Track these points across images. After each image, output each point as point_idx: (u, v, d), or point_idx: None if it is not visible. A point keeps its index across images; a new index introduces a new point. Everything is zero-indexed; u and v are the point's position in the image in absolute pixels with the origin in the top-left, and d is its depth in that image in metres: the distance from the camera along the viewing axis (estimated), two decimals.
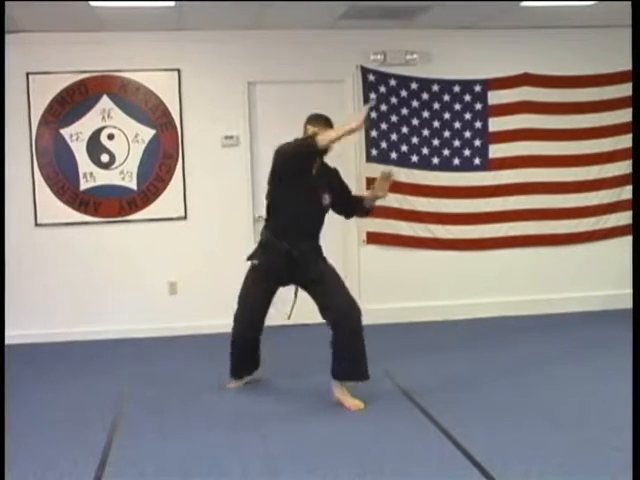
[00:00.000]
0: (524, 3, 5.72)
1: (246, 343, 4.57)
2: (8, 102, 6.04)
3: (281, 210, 4.31)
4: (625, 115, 6.40)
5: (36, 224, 6.25)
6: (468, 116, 6.61)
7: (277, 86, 6.43)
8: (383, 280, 6.58)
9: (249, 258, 4.40)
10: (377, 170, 6.44)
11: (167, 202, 6.36)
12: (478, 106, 6.62)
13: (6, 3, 4.26)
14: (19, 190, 6.15)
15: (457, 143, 6.62)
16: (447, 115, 6.58)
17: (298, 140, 4.15)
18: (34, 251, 6.25)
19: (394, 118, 6.49)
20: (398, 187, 6.52)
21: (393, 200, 6.51)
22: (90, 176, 6.29)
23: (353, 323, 4.20)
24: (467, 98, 6.60)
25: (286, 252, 4.20)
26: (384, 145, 6.47)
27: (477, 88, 6.60)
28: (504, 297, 6.70)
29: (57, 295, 6.27)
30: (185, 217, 6.40)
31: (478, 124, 6.63)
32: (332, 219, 6.48)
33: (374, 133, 6.45)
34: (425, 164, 6.57)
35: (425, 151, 6.57)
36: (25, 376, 5.11)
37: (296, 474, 3.38)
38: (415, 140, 6.55)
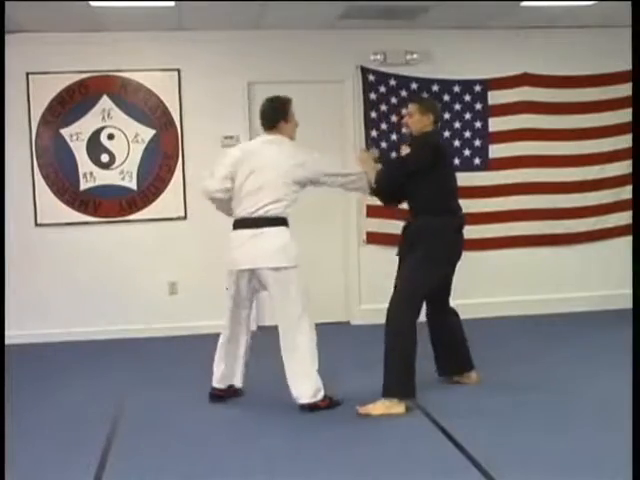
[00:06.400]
0: (524, 3, 5.72)
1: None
2: (8, 102, 6.04)
3: None
4: (625, 115, 6.39)
5: (36, 224, 6.25)
6: (468, 116, 6.61)
7: (277, 86, 6.36)
8: (383, 280, 6.52)
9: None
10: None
11: (167, 202, 6.36)
12: (478, 106, 6.62)
13: (6, 3, 4.26)
14: (19, 190, 6.15)
15: (457, 143, 6.61)
16: (447, 115, 6.57)
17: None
18: (34, 251, 6.24)
19: (394, 118, 6.48)
20: None
21: None
22: (90, 176, 6.29)
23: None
24: (467, 98, 6.60)
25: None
26: (384, 145, 6.46)
27: (477, 88, 6.60)
28: (504, 297, 6.70)
29: (57, 295, 6.27)
30: (185, 217, 6.40)
31: (478, 124, 6.63)
32: (332, 218, 6.52)
33: (374, 133, 6.45)
34: None
35: None
36: (25, 376, 5.11)
37: (296, 474, 3.38)
38: None
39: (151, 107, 6.31)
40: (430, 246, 4.26)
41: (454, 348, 4.63)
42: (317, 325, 4.32)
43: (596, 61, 6.64)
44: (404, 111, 4.61)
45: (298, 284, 4.18)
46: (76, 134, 6.25)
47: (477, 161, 6.66)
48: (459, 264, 6.57)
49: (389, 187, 4.42)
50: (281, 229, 4.19)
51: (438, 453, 3.57)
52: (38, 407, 4.47)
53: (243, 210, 4.22)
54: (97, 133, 6.27)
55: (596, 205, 6.81)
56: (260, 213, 4.16)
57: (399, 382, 4.14)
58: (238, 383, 4.46)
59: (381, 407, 4.11)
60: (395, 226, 6.58)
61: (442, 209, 4.33)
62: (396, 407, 4.11)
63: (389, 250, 6.60)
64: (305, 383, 4.14)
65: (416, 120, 4.42)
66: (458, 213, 4.45)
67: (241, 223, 4.23)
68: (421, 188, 4.30)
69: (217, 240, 6.27)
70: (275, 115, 4.35)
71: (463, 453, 3.53)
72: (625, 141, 6.49)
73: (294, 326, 4.16)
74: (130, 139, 6.31)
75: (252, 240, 4.16)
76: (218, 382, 4.43)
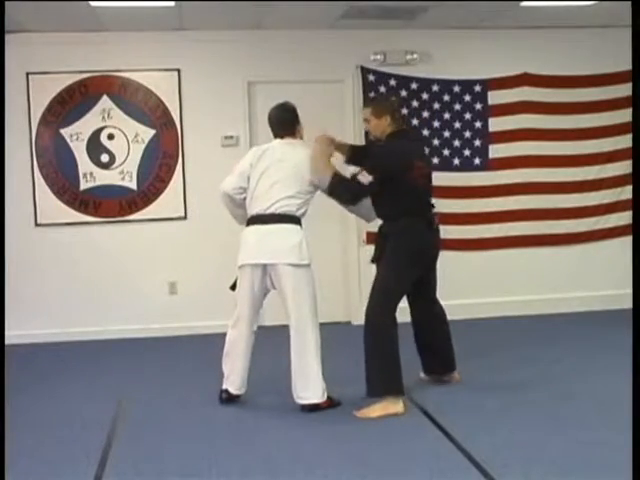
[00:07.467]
0: (524, 3, 5.73)
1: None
2: (8, 102, 6.04)
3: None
4: (625, 115, 6.40)
5: (36, 224, 6.25)
6: (468, 116, 6.61)
7: (277, 86, 6.42)
8: None
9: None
10: None
11: (167, 202, 6.36)
12: (478, 106, 6.62)
13: (6, 3, 4.26)
14: (19, 190, 6.16)
15: (457, 143, 6.62)
16: (447, 115, 6.58)
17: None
18: (34, 251, 6.25)
19: None
20: None
21: None
22: (90, 176, 6.29)
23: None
24: (467, 98, 6.60)
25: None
26: None
27: (477, 88, 6.60)
28: (504, 297, 6.70)
29: (57, 295, 6.27)
30: (185, 217, 6.40)
31: (478, 124, 6.63)
32: (332, 218, 6.52)
33: None
34: None
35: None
36: (25, 376, 5.11)
37: (296, 474, 3.38)
38: None
39: (151, 107, 6.31)
40: (398, 248, 4.22)
41: (438, 348, 4.59)
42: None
43: (596, 61, 6.64)
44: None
45: (311, 284, 4.22)
46: (76, 134, 6.25)
47: (477, 161, 6.66)
48: (460, 264, 6.65)
49: (352, 200, 4.33)
50: (297, 228, 4.20)
51: (438, 452, 3.56)
52: (38, 407, 4.47)
53: (257, 207, 4.21)
54: (97, 133, 6.27)
55: (596, 205, 6.82)
56: (273, 209, 4.16)
57: (383, 380, 4.12)
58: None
59: (378, 409, 4.10)
60: None
61: (407, 212, 4.23)
62: (393, 407, 4.10)
63: None
64: (314, 384, 4.15)
65: (374, 125, 4.35)
66: (426, 213, 4.34)
67: (255, 219, 4.22)
68: (383, 195, 4.24)
69: (217, 240, 6.33)
70: (292, 120, 4.39)
71: (463, 452, 3.53)
72: (625, 141, 6.50)
73: (305, 326, 4.17)
74: (130, 139, 6.31)
75: (270, 235, 4.16)
76: (237, 389, 4.38)
